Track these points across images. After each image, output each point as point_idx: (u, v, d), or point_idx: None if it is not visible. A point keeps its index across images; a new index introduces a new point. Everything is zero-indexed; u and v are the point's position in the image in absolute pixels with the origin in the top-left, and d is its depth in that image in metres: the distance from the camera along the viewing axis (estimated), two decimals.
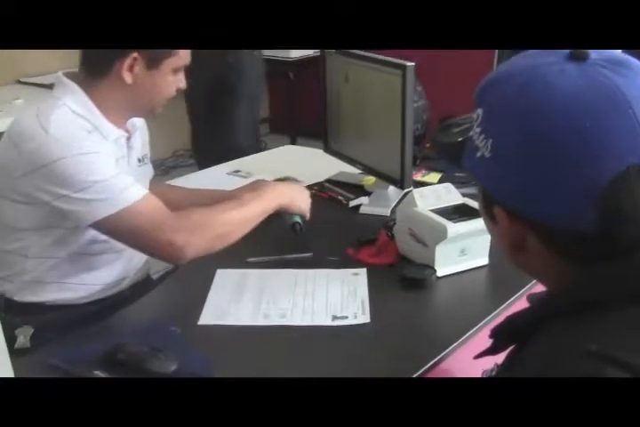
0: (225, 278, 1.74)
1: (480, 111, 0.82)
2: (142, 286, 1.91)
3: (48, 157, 1.52)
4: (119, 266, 1.80)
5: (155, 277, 2.06)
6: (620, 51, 0.81)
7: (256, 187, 1.81)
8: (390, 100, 1.98)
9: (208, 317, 1.58)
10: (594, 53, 0.77)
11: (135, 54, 1.61)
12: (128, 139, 1.76)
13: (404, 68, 1.89)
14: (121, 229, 1.57)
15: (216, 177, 2.54)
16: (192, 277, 1.79)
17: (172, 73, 1.69)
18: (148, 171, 1.92)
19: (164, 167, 4.79)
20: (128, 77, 1.63)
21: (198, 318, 1.57)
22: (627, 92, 0.73)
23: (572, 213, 0.75)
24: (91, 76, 1.66)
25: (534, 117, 0.75)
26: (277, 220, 1.86)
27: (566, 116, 0.73)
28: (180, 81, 1.73)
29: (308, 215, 1.88)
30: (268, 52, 4.97)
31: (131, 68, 1.62)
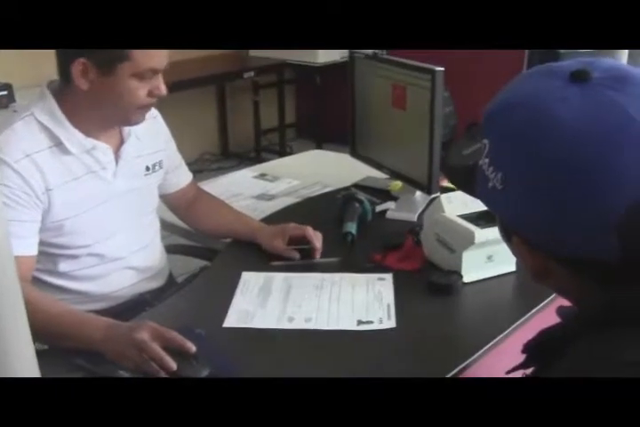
0: (250, 281, 1.73)
1: (487, 142, 0.81)
2: (166, 288, 1.92)
3: None
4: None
5: (179, 280, 2.07)
6: (624, 63, 0.79)
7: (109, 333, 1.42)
8: (419, 105, 1.97)
9: (233, 319, 1.57)
10: (596, 72, 0.74)
11: (82, 59, 1.54)
12: (116, 149, 1.73)
13: (433, 72, 1.88)
14: None
15: (242, 181, 2.54)
16: (217, 279, 1.79)
17: (136, 79, 1.59)
18: (157, 178, 1.89)
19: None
20: (83, 84, 1.57)
21: (223, 321, 1.56)
22: (635, 115, 0.71)
23: (590, 243, 0.74)
24: (60, 84, 1.65)
25: (543, 151, 0.73)
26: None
27: (574, 147, 0.72)
28: (156, 88, 1.63)
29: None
30: (294, 57, 4.99)
31: (84, 73, 1.56)
